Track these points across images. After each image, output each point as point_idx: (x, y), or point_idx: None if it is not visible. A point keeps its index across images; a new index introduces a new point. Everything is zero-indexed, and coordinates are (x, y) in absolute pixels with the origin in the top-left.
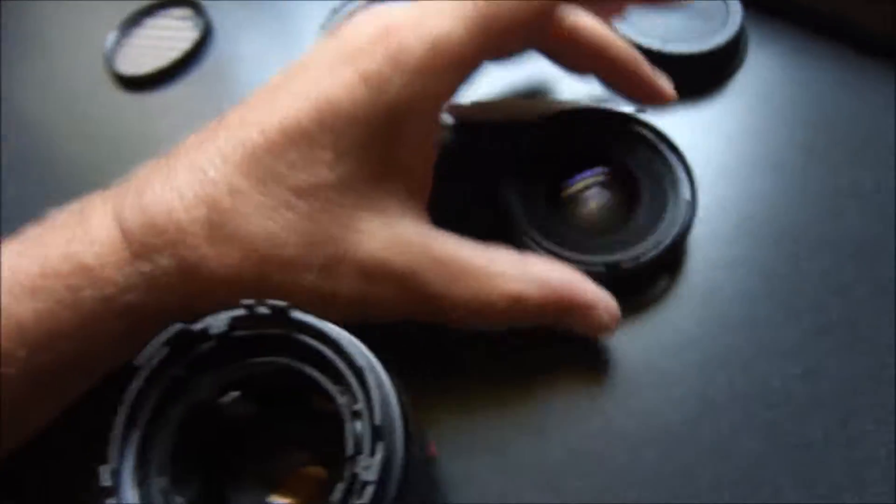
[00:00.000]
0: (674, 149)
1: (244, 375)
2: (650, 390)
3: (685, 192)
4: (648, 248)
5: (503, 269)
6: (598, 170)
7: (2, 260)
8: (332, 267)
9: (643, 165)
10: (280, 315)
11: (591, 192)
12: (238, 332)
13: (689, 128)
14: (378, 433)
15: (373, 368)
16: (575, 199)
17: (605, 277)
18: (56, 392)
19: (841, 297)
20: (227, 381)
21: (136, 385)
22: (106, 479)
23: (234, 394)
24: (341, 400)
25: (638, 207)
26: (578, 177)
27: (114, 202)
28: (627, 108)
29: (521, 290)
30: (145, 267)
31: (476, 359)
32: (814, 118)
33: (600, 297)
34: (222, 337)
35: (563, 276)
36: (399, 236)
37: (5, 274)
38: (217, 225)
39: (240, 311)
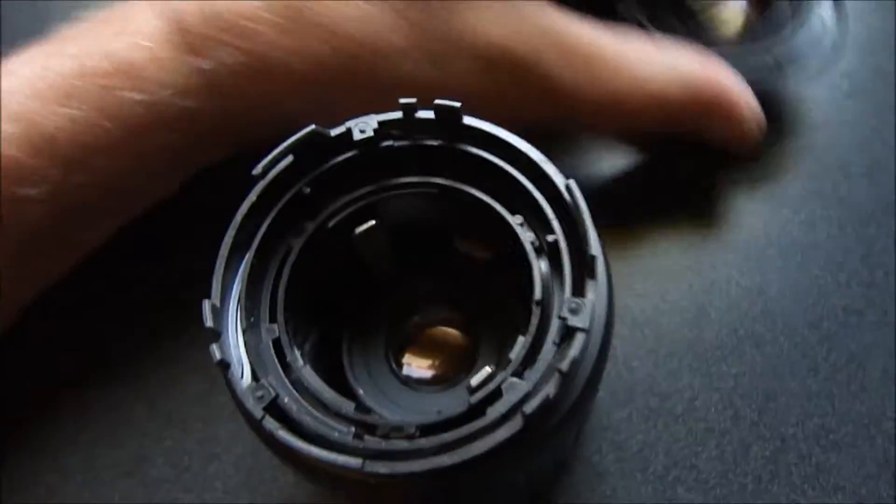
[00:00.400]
0: None
1: (385, 199)
2: (815, 270)
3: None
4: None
5: (641, 60)
6: None
7: (29, 61)
8: (446, 54)
9: None
10: (447, 119)
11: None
12: (387, 143)
13: None
14: (590, 268)
15: (574, 190)
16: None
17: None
18: (93, 223)
19: None
20: (364, 206)
21: (248, 201)
22: (207, 318)
23: (369, 224)
24: (522, 232)
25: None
26: None
27: None
28: None
29: (661, 86)
30: (206, 64)
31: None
32: None
33: (749, 100)
34: (366, 145)
35: (708, 71)
36: (521, 19)
37: (34, 75)
38: (299, 10)
39: (392, 114)
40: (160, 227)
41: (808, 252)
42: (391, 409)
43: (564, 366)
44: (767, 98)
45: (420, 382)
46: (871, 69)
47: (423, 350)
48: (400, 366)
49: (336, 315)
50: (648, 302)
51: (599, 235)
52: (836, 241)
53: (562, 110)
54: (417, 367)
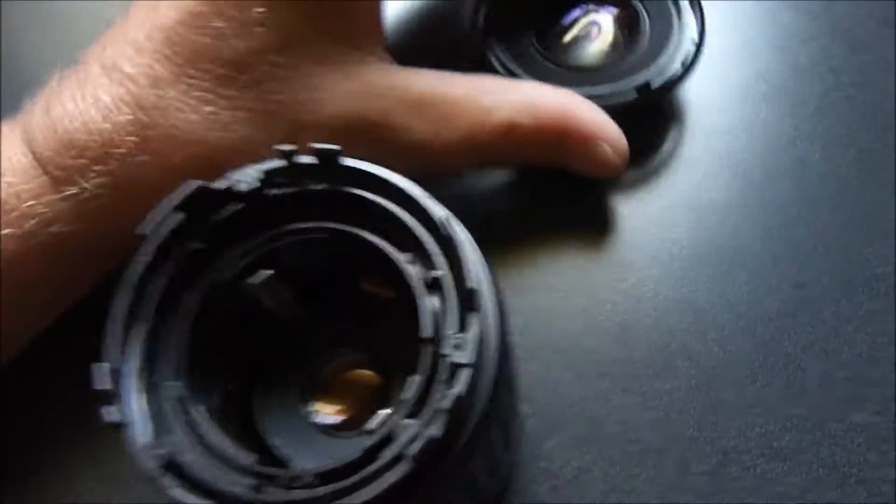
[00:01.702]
0: None
1: (279, 248)
2: (743, 276)
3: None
4: (661, 70)
5: (489, 93)
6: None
7: None
8: (300, 134)
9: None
10: (327, 163)
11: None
12: (272, 191)
13: None
14: (471, 302)
15: (454, 224)
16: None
17: (631, 105)
18: None
19: None
20: (258, 256)
21: (141, 261)
22: (103, 381)
23: (266, 273)
24: (410, 269)
25: (639, 37)
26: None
27: (23, 125)
28: None
29: (512, 117)
30: (70, 190)
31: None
32: None
33: (605, 127)
34: (252, 196)
35: (558, 99)
36: (365, 84)
37: None
38: (148, 126)
39: (273, 163)
40: None
41: (735, 259)
42: (309, 458)
43: (446, 404)
44: (674, 107)
45: (332, 428)
46: (787, 67)
47: (334, 395)
48: (314, 412)
49: (246, 367)
50: (571, 324)
51: (491, 266)
52: (763, 244)
53: (422, 158)
54: (328, 413)
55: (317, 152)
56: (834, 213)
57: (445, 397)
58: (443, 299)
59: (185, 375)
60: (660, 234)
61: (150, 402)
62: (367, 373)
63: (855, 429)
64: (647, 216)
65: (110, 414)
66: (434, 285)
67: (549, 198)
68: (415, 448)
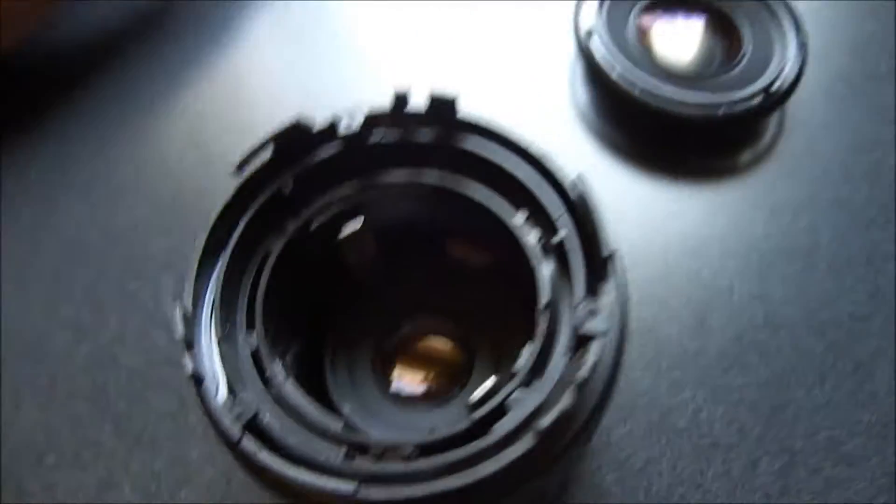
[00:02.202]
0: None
1: (373, 199)
2: (818, 275)
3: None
4: (777, 72)
5: None
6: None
7: None
8: None
9: (748, 11)
10: (443, 111)
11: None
12: (375, 137)
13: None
14: (604, 268)
15: (583, 183)
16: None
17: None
18: None
19: None
20: (348, 207)
21: (223, 200)
22: (178, 326)
23: (355, 224)
24: (525, 231)
25: (740, 42)
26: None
27: None
28: None
29: None
30: None
31: (623, 223)
32: None
33: None
34: (353, 140)
35: None
36: None
37: None
38: None
39: (380, 106)
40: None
41: (810, 258)
42: (379, 428)
43: (582, 374)
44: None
45: (411, 398)
46: (866, 72)
47: (414, 363)
48: (388, 380)
49: (318, 324)
50: (648, 311)
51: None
52: (838, 245)
53: None
54: (408, 381)
55: (432, 100)
56: None
57: (577, 367)
58: (562, 265)
59: (260, 327)
60: (738, 229)
61: (223, 355)
62: (447, 343)
63: None
64: (726, 211)
65: (187, 364)
66: (553, 249)
67: (624, 180)
68: (545, 421)
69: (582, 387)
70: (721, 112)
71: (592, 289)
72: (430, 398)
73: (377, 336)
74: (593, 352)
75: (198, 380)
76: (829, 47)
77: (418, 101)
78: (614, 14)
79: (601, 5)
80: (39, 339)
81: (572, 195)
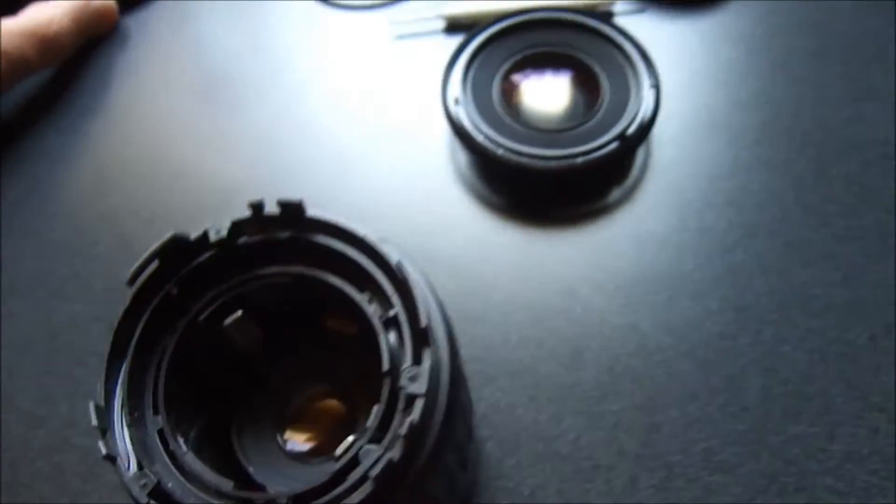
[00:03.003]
0: (635, 45)
1: (248, 291)
2: (685, 301)
3: (647, 82)
4: (632, 118)
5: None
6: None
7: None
8: None
9: (605, 62)
10: (292, 214)
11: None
12: (242, 239)
13: (685, 34)
14: (424, 337)
15: (407, 266)
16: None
17: (611, 156)
18: None
19: (869, 202)
20: (229, 299)
21: (123, 307)
22: (93, 418)
23: (237, 314)
24: (369, 309)
25: (599, 92)
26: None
27: None
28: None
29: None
30: None
31: (499, 272)
32: (820, 22)
33: None
34: (223, 245)
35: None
36: None
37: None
38: None
39: (242, 215)
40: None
41: (677, 285)
42: (283, 483)
43: (404, 430)
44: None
45: (304, 455)
46: (727, 101)
47: (304, 424)
48: (284, 441)
49: (221, 400)
50: (525, 351)
51: (440, 303)
52: (703, 270)
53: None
54: (298, 440)
55: (282, 204)
56: (772, 238)
57: (403, 424)
58: (399, 335)
59: (164, 410)
60: (605, 265)
61: (132, 437)
62: (333, 402)
63: (792, 441)
64: (595, 249)
65: (101, 448)
66: (391, 322)
67: (499, 232)
68: (376, 470)
69: (406, 439)
70: (580, 161)
71: (417, 356)
72: (322, 453)
73: (273, 404)
74: (414, 410)
75: (111, 459)
76: (689, 80)
77: (272, 208)
78: (479, 80)
79: (466, 73)
80: None
81: (398, 277)
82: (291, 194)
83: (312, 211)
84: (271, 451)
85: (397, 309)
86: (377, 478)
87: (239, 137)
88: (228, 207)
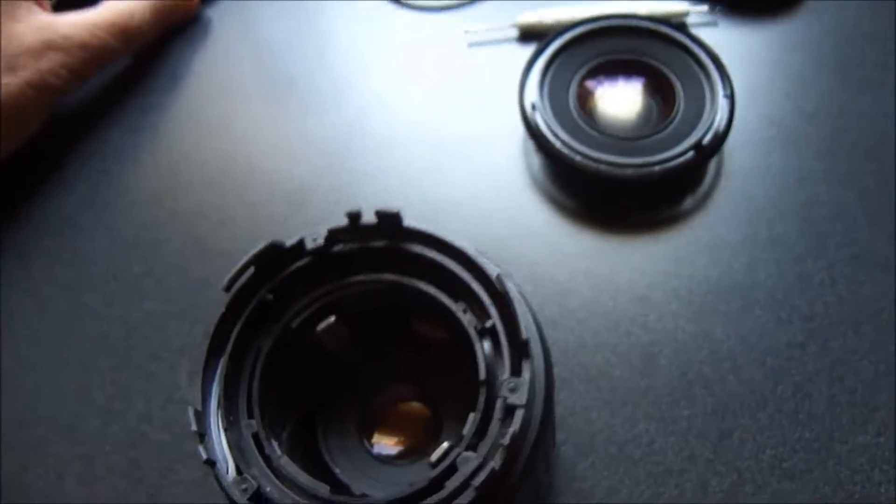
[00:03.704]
0: (710, 54)
1: (341, 298)
2: (756, 309)
3: (721, 91)
4: (707, 127)
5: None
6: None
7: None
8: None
9: (680, 71)
10: (390, 224)
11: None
12: (337, 247)
13: (754, 43)
14: (524, 350)
15: (508, 277)
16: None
17: (688, 166)
18: None
19: None
20: (323, 305)
21: (219, 312)
22: (192, 423)
23: (329, 320)
24: (464, 318)
25: (674, 100)
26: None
27: None
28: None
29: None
30: None
31: (574, 278)
32: (888, 32)
33: None
34: (319, 253)
35: None
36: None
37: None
38: None
39: (339, 223)
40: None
41: (749, 294)
42: (368, 484)
43: (506, 440)
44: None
45: (390, 458)
46: (795, 112)
47: (391, 427)
48: (371, 444)
49: (310, 402)
50: (600, 356)
51: (534, 315)
52: (774, 280)
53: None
54: (385, 444)
55: (380, 214)
56: (839, 250)
57: (504, 435)
58: (495, 345)
59: (258, 414)
60: (680, 274)
61: (230, 440)
62: (417, 406)
63: (858, 449)
64: (669, 258)
65: (201, 453)
66: (486, 332)
67: (573, 238)
68: (479, 479)
69: (507, 449)
70: (657, 170)
71: (516, 367)
72: (408, 456)
73: (359, 406)
74: (515, 421)
75: (211, 464)
76: (758, 90)
77: (369, 217)
78: (555, 86)
79: (542, 79)
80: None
81: (498, 290)
82: (362, 201)
83: (410, 222)
84: (356, 452)
85: (494, 320)
86: (480, 486)
87: (310, 142)
88: (299, 213)
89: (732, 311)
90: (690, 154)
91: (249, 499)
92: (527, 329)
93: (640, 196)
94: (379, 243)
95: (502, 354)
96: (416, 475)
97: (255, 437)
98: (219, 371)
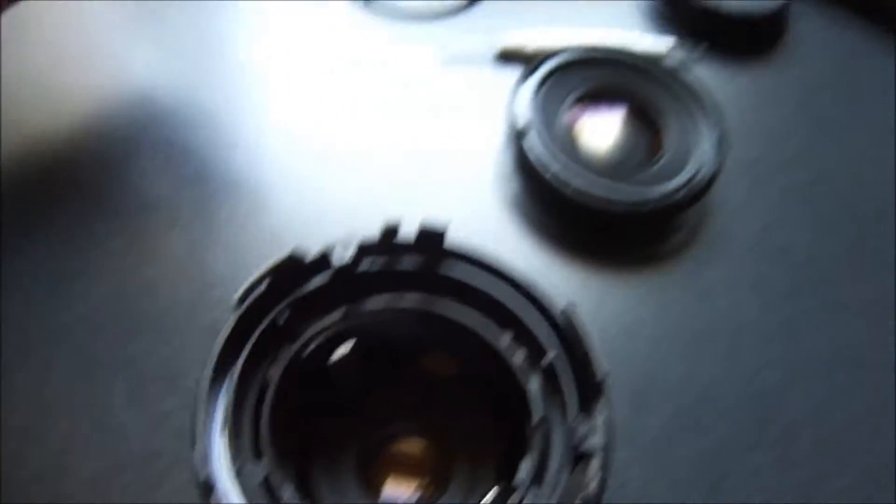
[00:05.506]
0: (700, 92)
1: (359, 324)
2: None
3: (712, 131)
4: (699, 165)
5: None
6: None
7: None
8: None
9: (668, 107)
10: (429, 242)
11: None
12: (364, 266)
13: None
14: (598, 389)
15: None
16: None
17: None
18: None
19: None
20: (339, 332)
21: (225, 331)
22: (201, 471)
23: (344, 352)
24: (508, 352)
25: (663, 147)
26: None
27: None
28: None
29: None
30: None
31: None
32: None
33: None
34: (344, 270)
35: None
36: None
37: None
38: None
39: (372, 236)
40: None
41: (735, 337)
42: None
43: (591, 490)
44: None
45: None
46: (778, 155)
47: (397, 472)
48: (375, 489)
49: (305, 440)
50: None
51: None
52: (761, 321)
53: None
54: (393, 489)
55: (421, 232)
56: (816, 295)
57: (578, 481)
58: (550, 383)
59: (271, 452)
60: (667, 314)
61: (241, 486)
62: (422, 446)
63: (846, 490)
64: (655, 297)
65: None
66: (541, 368)
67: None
68: None
69: (590, 501)
70: (649, 207)
71: (585, 407)
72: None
73: (360, 446)
74: (594, 468)
75: None
76: (743, 133)
77: (408, 231)
78: (548, 106)
79: (535, 96)
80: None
81: (562, 323)
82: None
83: (453, 244)
84: (354, 495)
85: (553, 355)
86: None
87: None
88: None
89: (718, 355)
90: (683, 191)
91: None
92: (603, 367)
93: (624, 232)
94: (413, 264)
95: (561, 394)
96: None
97: (266, 481)
98: (224, 404)
